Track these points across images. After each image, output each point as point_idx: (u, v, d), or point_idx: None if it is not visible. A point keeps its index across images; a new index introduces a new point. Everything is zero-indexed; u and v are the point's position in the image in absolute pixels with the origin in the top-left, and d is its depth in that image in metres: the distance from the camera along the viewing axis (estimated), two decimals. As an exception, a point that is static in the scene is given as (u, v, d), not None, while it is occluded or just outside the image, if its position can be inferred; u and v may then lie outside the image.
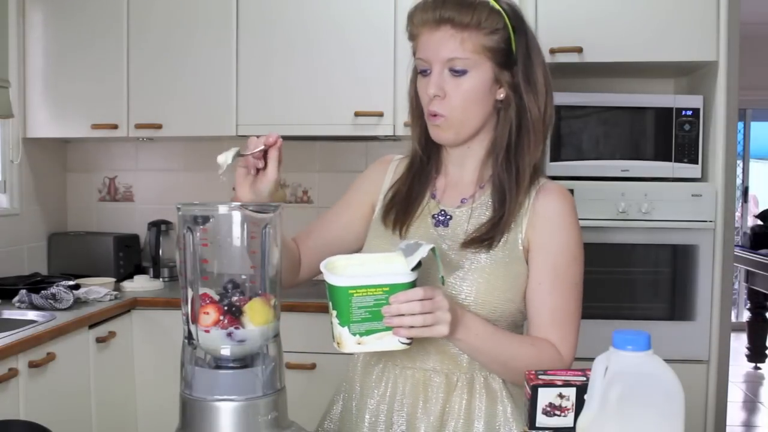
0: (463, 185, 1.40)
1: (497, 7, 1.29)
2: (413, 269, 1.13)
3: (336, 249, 1.43)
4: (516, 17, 1.32)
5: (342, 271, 1.14)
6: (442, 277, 1.18)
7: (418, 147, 1.42)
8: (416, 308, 1.11)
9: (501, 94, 1.33)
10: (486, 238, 1.31)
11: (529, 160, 1.34)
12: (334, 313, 1.11)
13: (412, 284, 1.13)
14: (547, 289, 1.32)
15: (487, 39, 1.28)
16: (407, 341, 1.14)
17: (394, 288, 1.11)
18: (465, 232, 1.34)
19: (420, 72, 1.33)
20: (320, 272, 1.15)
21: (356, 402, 1.40)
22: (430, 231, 1.37)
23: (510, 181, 1.33)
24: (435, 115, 1.32)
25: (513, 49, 1.31)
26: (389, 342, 1.14)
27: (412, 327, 1.13)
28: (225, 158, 1.22)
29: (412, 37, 1.35)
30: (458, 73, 1.29)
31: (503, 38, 1.29)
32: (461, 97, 1.30)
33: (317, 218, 1.55)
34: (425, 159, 1.43)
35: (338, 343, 1.13)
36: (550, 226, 1.33)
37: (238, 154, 1.24)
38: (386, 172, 1.48)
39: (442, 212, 1.39)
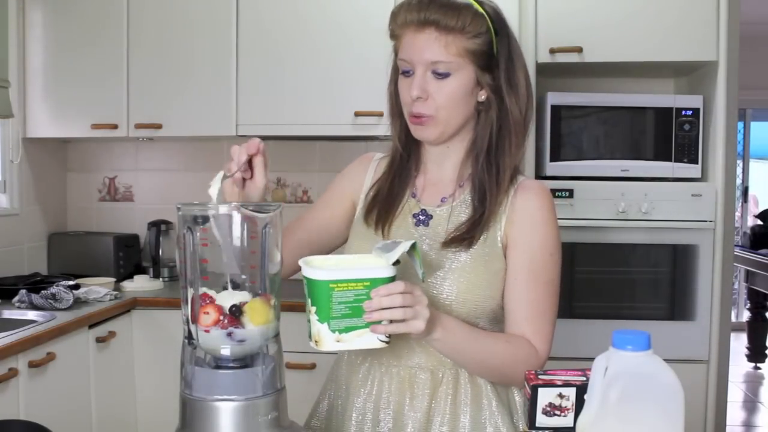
0: (442, 184, 1.41)
1: (481, 10, 1.30)
2: (393, 264, 1.13)
3: (317, 246, 1.45)
4: (499, 20, 1.33)
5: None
6: (423, 273, 1.18)
7: (398, 144, 1.43)
8: (397, 301, 1.11)
9: (482, 96, 1.34)
10: (466, 236, 1.33)
11: (510, 160, 1.35)
12: (313, 309, 1.11)
13: (392, 280, 1.13)
14: (523, 284, 1.33)
15: (470, 42, 1.29)
16: (386, 339, 1.14)
17: (375, 282, 1.11)
18: (445, 231, 1.35)
19: (402, 72, 1.34)
20: (298, 271, 1.14)
21: (342, 401, 1.41)
22: (410, 230, 1.38)
23: (491, 181, 1.35)
24: (419, 116, 1.33)
25: (495, 53, 1.32)
26: (368, 340, 1.13)
27: (391, 322, 1.12)
28: (214, 188, 1.17)
29: (394, 36, 1.36)
30: (441, 75, 1.30)
31: (486, 41, 1.30)
32: (444, 98, 1.31)
33: (297, 218, 1.53)
34: (405, 157, 1.43)
35: (316, 342, 1.12)
36: (528, 222, 1.34)
37: (225, 177, 1.20)
38: (367, 171, 1.49)
39: (423, 212, 1.39)
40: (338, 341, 1.12)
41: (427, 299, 1.17)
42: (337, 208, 1.49)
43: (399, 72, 1.37)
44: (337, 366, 1.47)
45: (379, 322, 1.12)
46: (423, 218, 1.39)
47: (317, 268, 1.12)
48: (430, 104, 1.31)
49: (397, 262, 1.14)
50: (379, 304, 1.11)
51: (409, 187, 1.43)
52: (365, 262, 1.18)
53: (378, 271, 1.12)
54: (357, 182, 1.48)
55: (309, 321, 1.12)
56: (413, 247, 1.15)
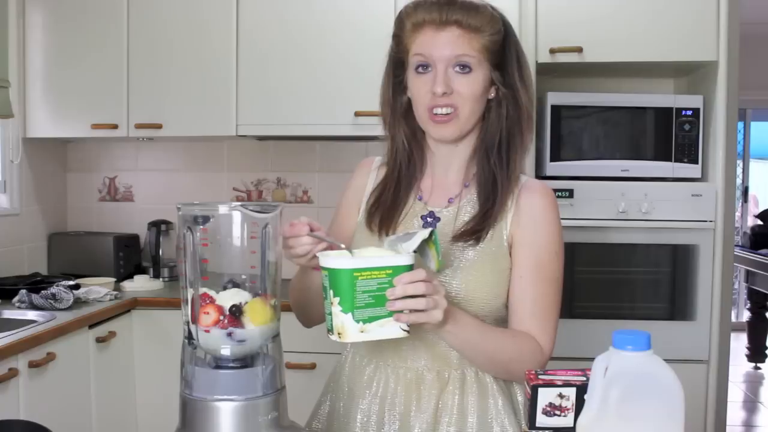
0: (448, 185, 1.42)
1: (495, 12, 1.35)
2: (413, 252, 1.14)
3: None
4: (506, 22, 1.38)
5: None
6: (440, 262, 1.18)
7: (406, 146, 1.42)
8: (420, 289, 1.11)
9: (492, 94, 1.37)
10: (477, 229, 1.34)
11: (521, 154, 1.38)
12: (336, 300, 1.10)
13: (412, 268, 1.13)
14: (528, 282, 1.34)
15: (487, 40, 1.32)
16: (407, 329, 1.14)
17: (397, 270, 1.11)
18: (453, 231, 1.36)
19: (418, 69, 1.34)
20: None
21: (344, 402, 1.41)
22: None
23: (502, 174, 1.36)
24: (442, 113, 1.33)
25: (506, 51, 1.35)
26: (391, 330, 1.13)
27: (413, 311, 1.12)
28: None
29: (404, 34, 1.36)
30: (464, 69, 1.31)
31: (499, 41, 1.34)
32: (468, 93, 1.32)
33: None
34: (410, 158, 1.43)
35: (339, 334, 1.11)
36: (533, 222, 1.36)
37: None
38: (369, 175, 1.49)
39: (431, 213, 1.40)
40: (362, 332, 1.11)
41: (444, 290, 1.17)
42: (353, 224, 1.47)
43: (406, 71, 1.37)
44: (340, 368, 1.46)
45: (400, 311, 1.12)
46: (431, 220, 1.39)
47: (340, 258, 1.12)
48: (455, 98, 1.32)
49: (416, 253, 1.14)
50: (404, 292, 1.11)
51: (414, 190, 1.43)
52: (380, 253, 1.17)
53: (399, 258, 1.13)
54: (361, 191, 1.49)
55: (330, 314, 1.11)
56: (432, 234, 1.16)
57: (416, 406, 1.33)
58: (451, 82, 1.31)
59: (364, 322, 1.11)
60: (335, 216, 1.52)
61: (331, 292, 1.10)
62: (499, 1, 1.40)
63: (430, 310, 1.14)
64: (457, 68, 1.31)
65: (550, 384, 1.06)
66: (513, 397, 1.38)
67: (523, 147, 1.38)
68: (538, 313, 1.34)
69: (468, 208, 1.38)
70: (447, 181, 1.42)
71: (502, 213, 1.35)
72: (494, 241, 1.34)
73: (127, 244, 3.26)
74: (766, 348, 5.67)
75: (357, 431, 1.36)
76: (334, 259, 1.11)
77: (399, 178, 1.43)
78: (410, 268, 1.13)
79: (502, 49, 1.35)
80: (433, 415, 1.33)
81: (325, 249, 1.22)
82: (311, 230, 1.21)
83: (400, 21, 1.36)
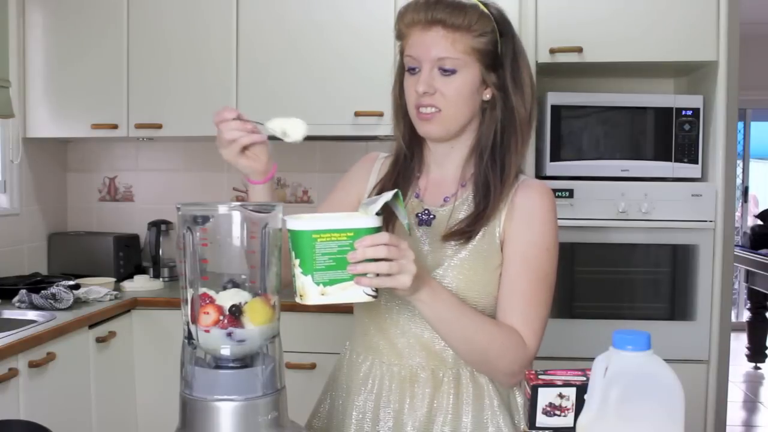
0: (445, 184, 1.42)
1: (486, 11, 1.33)
2: (377, 215, 1.11)
3: None
4: (503, 22, 1.36)
5: None
6: (408, 224, 1.16)
7: (402, 143, 1.44)
8: (382, 252, 1.09)
9: (487, 95, 1.36)
10: (467, 230, 1.33)
11: (516, 158, 1.37)
12: (297, 262, 1.08)
13: (377, 230, 1.10)
14: (515, 275, 1.33)
15: (476, 41, 1.31)
16: (372, 293, 1.11)
17: (359, 233, 1.08)
18: (445, 229, 1.36)
19: (408, 70, 1.36)
20: None
21: (342, 400, 1.41)
22: (413, 229, 1.38)
23: (495, 178, 1.35)
24: (426, 111, 1.33)
25: (500, 52, 1.34)
26: (354, 293, 1.10)
27: (376, 275, 1.10)
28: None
29: (401, 36, 1.37)
30: (447, 72, 1.31)
31: (491, 41, 1.32)
32: (451, 94, 1.32)
33: None
34: (409, 156, 1.44)
35: (301, 295, 1.10)
36: (526, 217, 1.34)
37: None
38: (371, 170, 1.50)
39: (426, 211, 1.40)
40: (323, 294, 1.09)
41: (415, 254, 1.14)
42: (344, 207, 1.47)
43: (405, 71, 1.38)
44: (339, 366, 1.47)
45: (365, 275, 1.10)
46: (425, 218, 1.39)
47: (300, 219, 1.10)
48: (438, 99, 1.32)
49: (382, 214, 1.12)
50: (363, 255, 1.08)
51: (412, 188, 1.44)
52: (352, 216, 1.15)
53: (361, 221, 1.10)
54: (362, 182, 1.49)
55: (294, 275, 1.10)
56: (396, 196, 1.14)
57: (410, 404, 1.34)
58: (435, 82, 1.31)
59: (325, 284, 1.09)
60: (330, 194, 1.53)
61: (293, 253, 1.09)
62: (499, 2, 1.40)
63: (396, 275, 1.11)
64: (440, 71, 1.31)
65: (550, 384, 1.07)
66: (510, 397, 1.38)
67: (518, 151, 1.36)
68: (525, 309, 1.32)
69: (464, 207, 1.38)
70: (444, 180, 1.42)
71: (495, 213, 1.35)
72: (486, 238, 1.34)
73: (127, 244, 3.26)
74: (766, 348, 5.67)
75: (353, 428, 1.36)
76: (294, 220, 1.09)
77: (399, 174, 1.44)
78: (374, 231, 1.10)
79: (495, 50, 1.33)
80: (427, 414, 1.33)
81: (252, 132, 1.30)
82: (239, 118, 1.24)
83: (396, 23, 1.38)
